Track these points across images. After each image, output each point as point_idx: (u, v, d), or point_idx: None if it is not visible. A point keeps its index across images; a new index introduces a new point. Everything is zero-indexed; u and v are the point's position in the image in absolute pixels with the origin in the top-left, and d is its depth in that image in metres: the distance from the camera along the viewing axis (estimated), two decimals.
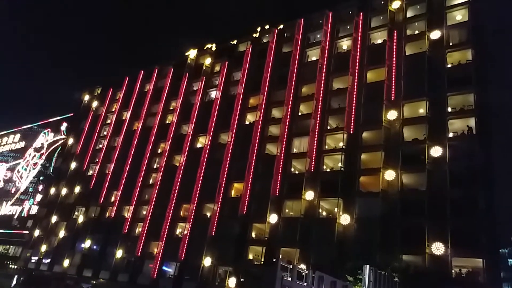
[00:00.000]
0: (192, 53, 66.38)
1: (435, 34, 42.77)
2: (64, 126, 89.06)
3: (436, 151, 37.26)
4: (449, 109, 39.23)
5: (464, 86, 38.91)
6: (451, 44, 42.12)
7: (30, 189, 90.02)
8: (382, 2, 48.85)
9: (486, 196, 34.83)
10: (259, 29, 59.80)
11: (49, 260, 63.24)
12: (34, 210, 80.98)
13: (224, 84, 58.35)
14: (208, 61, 63.05)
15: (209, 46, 65.83)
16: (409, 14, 46.94)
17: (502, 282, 41.01)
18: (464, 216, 34.45)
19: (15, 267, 69.00)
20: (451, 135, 38.33)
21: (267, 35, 57.99)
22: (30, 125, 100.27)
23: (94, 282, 54.64)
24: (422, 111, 40.62)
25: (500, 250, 72.69)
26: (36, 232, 68.44)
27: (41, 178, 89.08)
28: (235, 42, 62.12)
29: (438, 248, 33.52)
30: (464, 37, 41.63)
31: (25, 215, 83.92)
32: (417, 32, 45.11)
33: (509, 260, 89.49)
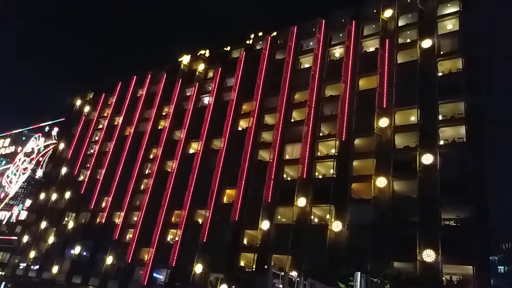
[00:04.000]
0: (185, 59, 66.35)
1: (427, 43, 43.28)
2: (55, 131, 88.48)
3: (427, 159, 37.52)
4: (440, 117, 39.58)
5: (454, 94, 39.30)
6: (442, 52, 42.62)
7: (20, 194, 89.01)
8: (375, 11, 49.35)
9: (477, 203, 35.08)
10: (252, 36, 60.08)
11: (37, 267, 62.36)
12: (23, 215, 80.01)
13: (217, 90, 58.39)
14: (201, 67, 63.07)
15: (202, 52, 65.92)
16: (401, 23, 47.43)
17: None
18: (454, 223, 34.66)
19: (3, 273, 67.86)
20: (442, 142, 38.65)
21: (260, 42, 58.28)
22: (20, 130, 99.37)
23: None
24: (413, 118, 40.97)
25: (490, 257, 73.03)
26: (25, 238, 67.50)
27: (31, 183, 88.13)
28: (228, 48, 62.36)
29: (429, 255, 33.60)
30: (455, 46, 42.16)
31: (14, 221, 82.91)
32: (408, 40, 45.55)
33: (499, 267, 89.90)
